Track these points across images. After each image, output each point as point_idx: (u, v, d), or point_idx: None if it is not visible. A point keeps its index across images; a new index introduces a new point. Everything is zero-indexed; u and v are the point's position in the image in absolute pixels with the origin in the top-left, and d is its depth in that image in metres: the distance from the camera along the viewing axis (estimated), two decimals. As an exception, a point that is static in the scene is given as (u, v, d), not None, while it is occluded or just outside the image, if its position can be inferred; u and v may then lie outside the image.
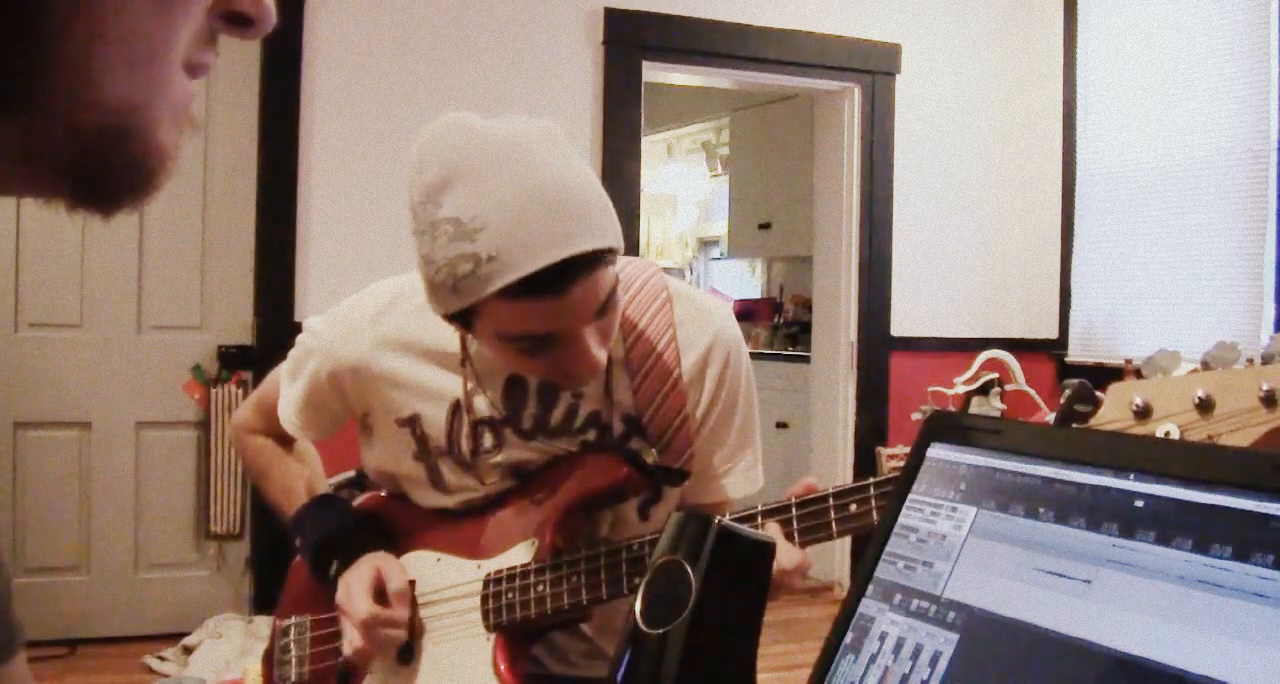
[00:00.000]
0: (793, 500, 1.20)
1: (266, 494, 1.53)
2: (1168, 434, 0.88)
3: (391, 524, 1.45)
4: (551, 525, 1.32)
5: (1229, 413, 0.85)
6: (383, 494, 1.50)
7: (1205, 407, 0.87)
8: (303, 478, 1.50)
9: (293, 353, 1.47)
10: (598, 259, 1.13)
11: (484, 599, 1.33)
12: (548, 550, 1.31)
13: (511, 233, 1.08)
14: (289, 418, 1.46)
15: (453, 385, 1.34)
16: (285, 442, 1.54)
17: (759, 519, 1.21)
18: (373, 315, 1.37)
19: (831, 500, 1.17)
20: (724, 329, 1.37)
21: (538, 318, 1.14)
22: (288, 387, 1.46)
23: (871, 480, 1.16)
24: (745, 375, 1.40)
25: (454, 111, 1.17)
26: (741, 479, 1.41)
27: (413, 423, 1.37)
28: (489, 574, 1.33)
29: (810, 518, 1.18)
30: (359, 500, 1.52)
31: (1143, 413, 0.90)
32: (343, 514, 1.44)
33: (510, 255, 1.09)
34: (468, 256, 1.09)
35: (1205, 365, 0.89)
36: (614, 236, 1.15)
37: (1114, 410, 0.92)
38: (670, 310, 1.34)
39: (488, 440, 1.35)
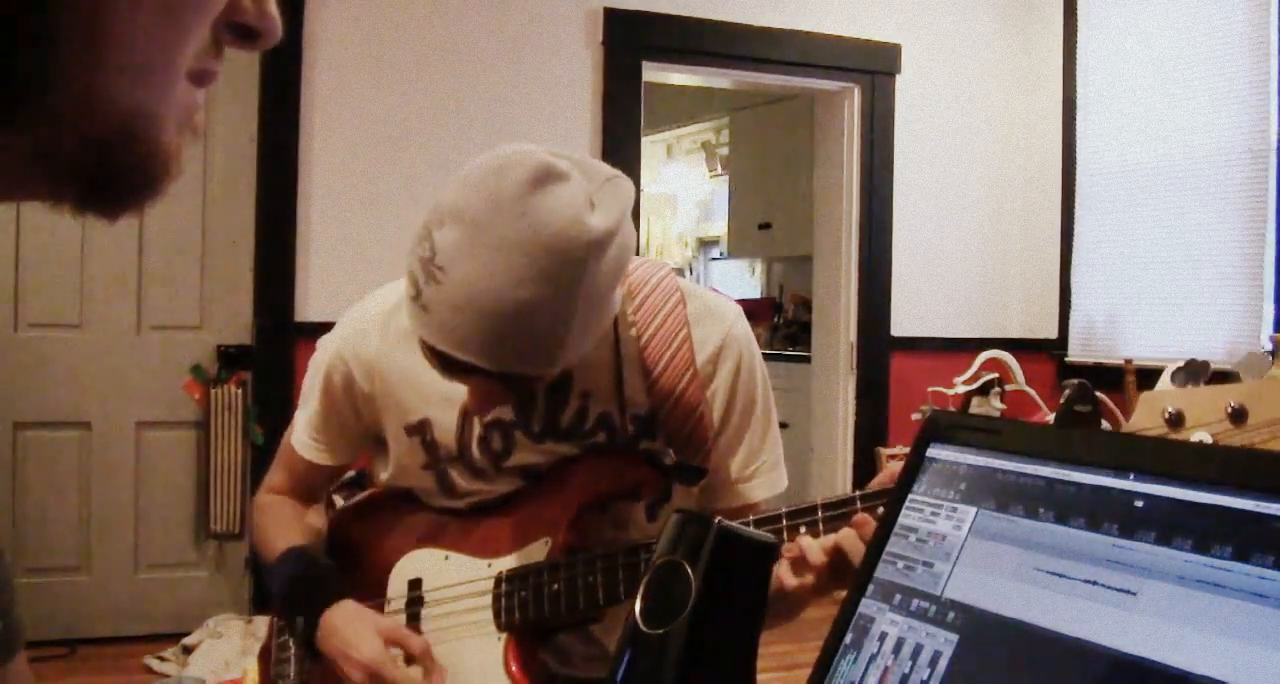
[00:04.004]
0: (818, 502, 1.19)
1: (261, 556, 1.48)
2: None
3: (398, 522, 1.44)
4: (565, 524, 1.31)
5: (1263, 422, 0.85)
6: (388, 490, 1.48)
7: (1238, 416, 0.86)
8: (292, 527, 1.45)
9: (305, 381, 1.46)
10: (505, 376, 1.13)
11: (495, 598, 1.32)
12: (561, 549, 1.30)
13: (448, 308, 1.09)
14: (306, 442, 1.45)
15: (461, 388, 1.34)
16: (304, 502, 1.52)
17: (783, 522, 1.20)
18: (383, 315, 1.37)
19: (859, 504, 1.16)
20: (736, 328, 1.37)
21: (436, 367, 1.18)
22: (302, 412, 1.45)
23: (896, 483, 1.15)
24: (759, 374, 1.39)
25: (547, 157, 1.10)
26: (764, 481, 1.40)
27: (422, 429, 1.36)
28: (500, 573, 1.32)
29: (838, 521, 1.16)
30: (363, 495, 1.52)
31: (1175, 421, 0.89)
32: (301, 563, 1.38)
33: (435, 320, 1.10)
34: (414, 284, 1.11)
35: (1236, 375, 0.89)
36: (542, 370, 1.15)
37: (1146, 418, 0.91)
38: (683, 309, 1.33)
39: (498, 444, 1.35)
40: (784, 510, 1.20)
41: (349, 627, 1.29)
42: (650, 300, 1.33)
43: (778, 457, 1.41)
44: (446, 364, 1.14)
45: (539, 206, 1.06)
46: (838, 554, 1.13)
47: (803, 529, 1.18)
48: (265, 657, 1.49)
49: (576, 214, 1.07)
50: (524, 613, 1.29)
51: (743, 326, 1.38)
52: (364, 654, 1.25)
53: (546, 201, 1.06)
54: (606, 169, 1.16)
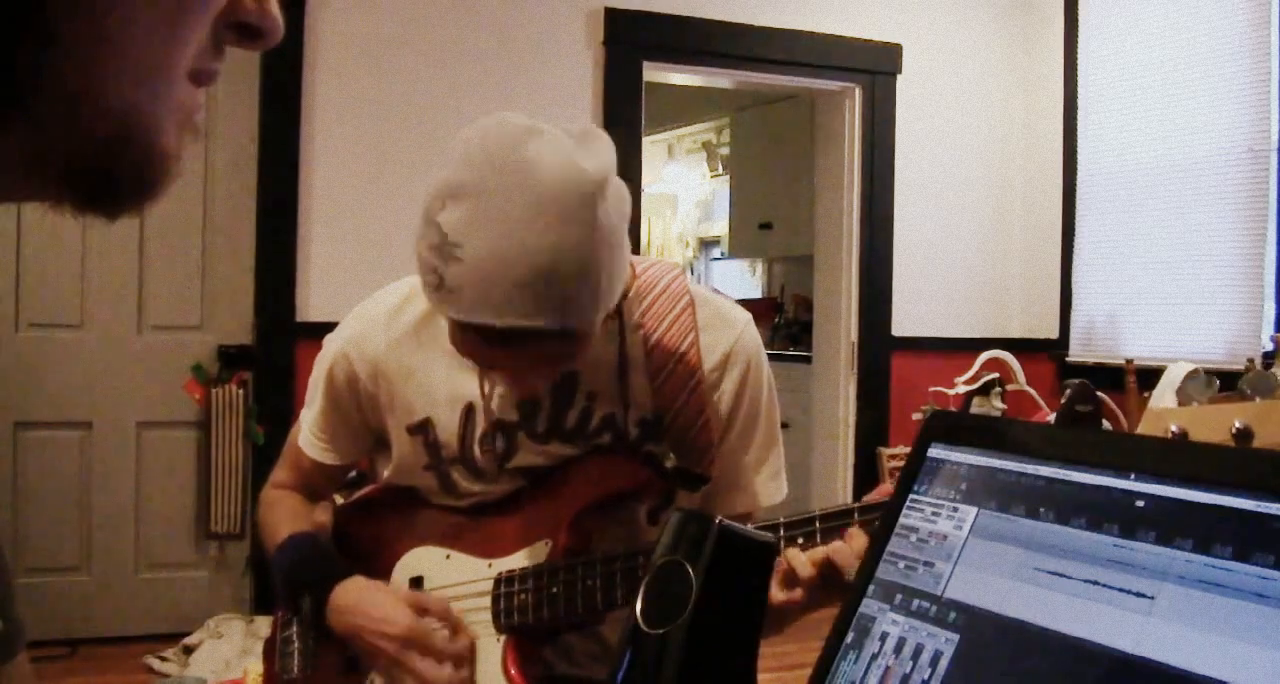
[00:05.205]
0: (815, 513, 1.18)
1: (265, 548, 1.48)
2: None
3: (400, 520, 1.43)
4: (566, 526, 1.30)
5: (1269, 443, 0.84)
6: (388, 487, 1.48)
7: (1244, 436, 0.86)
8: (296, 518, 1.45)
9: (310, 379, 1.45)
10: (551, 334, 1.12)
11: (495, 599, 1.31)
12: (562, 551, 1.30)
13: (477, 279, 1.07)
14: (311, 441, 1.45)
15: (465, 388, 1.33)
16: (309, 499, 1.52)
17: (781, 532, 1.19)
18: (387, 313, 1.36)
19: (856, 516, 1.15)
20: (745, 336, 1.36)
21: (478, 351, 1.16)
22: (308, 411, 1.45)
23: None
24: (766, 383, 1.38)
25: (522, 119, 1.11)
26: (764, 490, 1.40)
27: (424, 429, 1.35)
28: (500, 574, 1.32)
29: (835, 532, 1.15)
30: (364, 492, 1.52)
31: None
32: (304, 548, 1.39)
33: (466, 297, 1.08)
34: (435, 271, 1.10)
35: (1243, 393, 0.89)
36: (584, 319, 1.13)
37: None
38: (692, 314, 1.33)
39: (500, 445, 1.34)
40: (782, 519, 1.19)
41: (372, 602, 1.29)
42: (659, 303, 1.33)
43: (779, 466, 1.41)
44: (489, 341, 1.12)
45: (533, 160, 1.07)
46: (828, 566, 1.12)
47: (800, 539, 1.17)
48: (270, 652, 1.49)
49: (569, 158, 1.08)
50: (523, 615, 1.29)
51: (752, 335, 1.38)
52: (399, 625, 1.26)
53: (537, 154, 1.08)
54: (575, 125, 1.17)
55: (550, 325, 1.10)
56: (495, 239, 1.06)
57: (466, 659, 1.28)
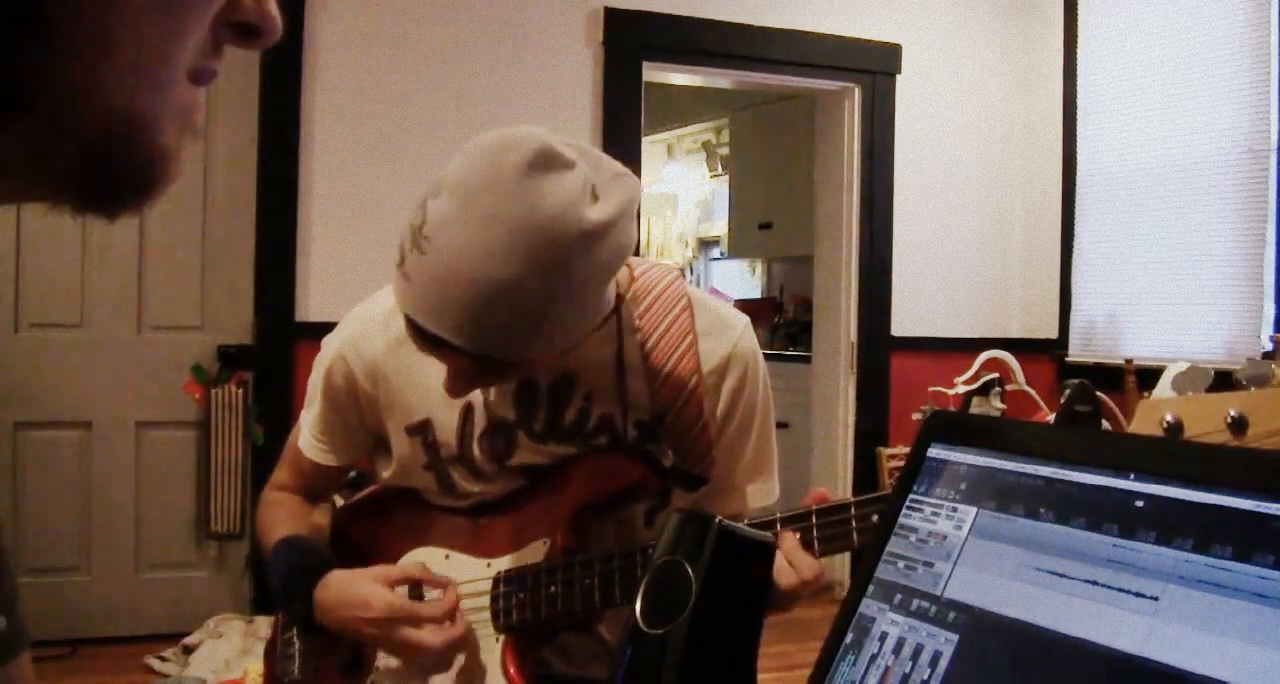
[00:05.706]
0: (813, 508, 1.17)
1: (261, 551, 1.47)
2: None
3: (399, 520, 1.44)
4: (564, 525, 1.30)
5: (1264, 432, 0.84)
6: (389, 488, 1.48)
7: (1239, 426, 0.85)
8: (291, 522, 1.44)
9: (309, 381, 1.45)
10: (472, 355, 1.13)
11: (494, 599, 1.32)
12: (560, 551, 1.30)
13: (428, 277, 1.08)
14: (310, 442, 1.45)
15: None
16: (309, 500, 1.52)
17: (778, 527, 1.19)
18: (384, 315, 1.36)
19: (853, 510, 1.15)
20: (743, 341, 1.36)
21: (413, 339, 1.17)
22: (307, 412, 1.45)
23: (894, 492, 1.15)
24: (763, 388, 1.38)
25: (559, 144, 1.08)
26: (755, 490, 1.40)
27: (424, 429, 1.36)
28: (499, 573, 1.32)
29: (831, 527, 1.15)
30: (364, 493, 1.52)
31: (1174, 431, 0.88)
32: (295, 552, 1.37)
33: (414, 289, 1.10)
34: (400, 252, 1.12)
35: (1238, 383, 0.88)
36: (512, 355, 1.13)
37: (1145, 427, 0.90)
38: (690, 317, 1.33)
39: (499, 444, 1.34)
40: (779, 515, 1.20)
41: (347, 592, 1.28)
42: (657, 306, 1.33)
43: (773, 469, 1.42)
44: (422, 337, 1.14)
45: (535, 188, 1.05)
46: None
47: (797, 534, 1.17)
48: (271, 654, 1.49)
49: (573, 202, 1.06)
50: (521, 614, 1.29)
51: (749, 339, 1.38)
52: (378, 606, 1.25)
53: (544, 185, 1.05)
54: (616, 166, 1.15)
55: (469, 350, 1.11)
56: (459, 247, 1.06)
57: (455, 612, 1.27)
